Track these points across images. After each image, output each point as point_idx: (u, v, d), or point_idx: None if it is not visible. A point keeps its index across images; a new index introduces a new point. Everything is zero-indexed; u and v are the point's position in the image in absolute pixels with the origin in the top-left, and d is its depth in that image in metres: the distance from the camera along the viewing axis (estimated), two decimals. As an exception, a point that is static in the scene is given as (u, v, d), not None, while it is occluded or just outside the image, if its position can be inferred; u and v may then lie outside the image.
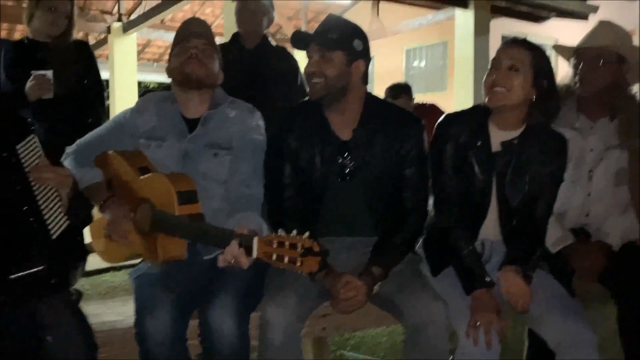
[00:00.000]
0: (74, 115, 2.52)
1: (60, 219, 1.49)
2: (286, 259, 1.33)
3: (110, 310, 1.88)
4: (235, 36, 2.99)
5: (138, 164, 1.74)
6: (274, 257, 1.35)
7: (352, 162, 1.75)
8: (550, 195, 1.79)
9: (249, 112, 1.88)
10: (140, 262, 1.78)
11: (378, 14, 8.94)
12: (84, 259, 1.62)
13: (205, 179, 1.77)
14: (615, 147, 1.96)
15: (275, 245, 1.36)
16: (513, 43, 1.72)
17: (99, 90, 2.74)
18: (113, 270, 4.11)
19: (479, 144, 1.75)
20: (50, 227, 1.47)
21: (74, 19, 2.58)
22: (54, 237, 1.47)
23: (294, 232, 1.35)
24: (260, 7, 2.89)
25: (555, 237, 1.92)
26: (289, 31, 9.11)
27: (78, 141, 1.88)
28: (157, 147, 1.80)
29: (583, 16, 7.72)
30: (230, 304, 1.53)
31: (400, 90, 3.99)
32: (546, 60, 1.72)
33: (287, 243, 1.34)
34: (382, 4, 8.77)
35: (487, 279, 1.67)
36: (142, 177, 1.68)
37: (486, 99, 1.73)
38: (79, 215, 1.54)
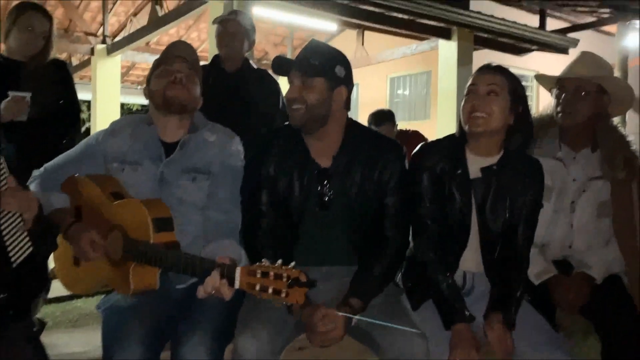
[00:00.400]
0: (47, 136, 2.44)
1: (23, 246, 1.42)
2: (270, 290, 1.27)
3: (80, 340, 1.79)
4: (215, 59, 2.96)
5: (110, 188, 1.67)
6: (258, 287, 1.29)
7: (331, 191, 1.70)
8: (531, 222, 1.77)
9: (228, 137, 1.84)
10: (108, 294, 1.70)
11: (363, 43, 9.07)
12: (47, 288, 1.54)
13: (182, 205, 1.71)
14: (597, 178, 1.96)
15: (259, 275, 1.29)
16: (488, 69, 1.72)
17: (75, 111, 2.67)
18: (86, 296, 3.97)
19: (457, 172, 1.73)
20: (11, 254, 1.39)
21: (52, 39, 2.53)
22: (15, 264, 1.39)
23: (279, 261, 1.30)
24: (241, 30, 2.87)
25: (538, 269, 1.90)
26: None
27: (46, 164, 1.81)
28: (131, 171, 1.74)
29: (563, 50, 7.92)
30: (205, 339, 1.46)
31: (384, 117, 4.00)
32: (520, 86, 1.73)
33: (271, 273, 1.28)
34: (366, 33, 8.90)
35: (467, 313, 1.63)
36: (114, 202, 1.62)
37: (466, 126, 1.71)
38: (43, 242, 1.47)
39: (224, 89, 2.70)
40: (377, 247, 1.71)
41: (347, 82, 1.71)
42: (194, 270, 1.42)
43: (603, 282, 1.88)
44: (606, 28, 9.06)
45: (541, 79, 2.08)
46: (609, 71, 1.99)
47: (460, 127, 1.76)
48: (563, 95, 1.96)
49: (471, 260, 1.76)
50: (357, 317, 1.57)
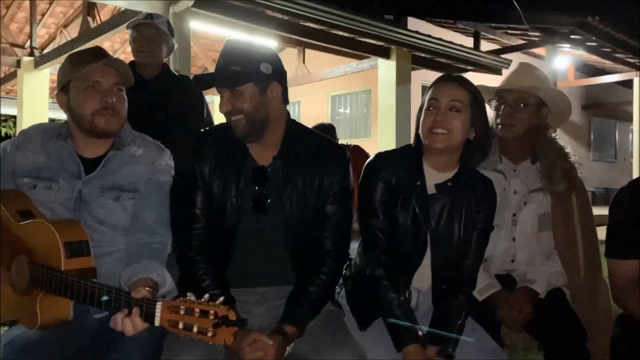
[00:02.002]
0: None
1: None
2: (195, 329, 1.14)
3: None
4: (131, 65, 2.75)
5: (18, 206, 1.49)
6: (181, 326, 1.16)
7: (269, 192, 1.57)
8: (483, 242, 1.71)
9: (157, 151, 1.69)
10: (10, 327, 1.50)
11: (304, 61, 9.06)
12: None
13: (103, 226, 1.56)
14: (538, 190, 1.95)
15: (182, 312, 1.16)
16: (450, 81, 1.65)
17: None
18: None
19: (415, 185, 1.64)
20: None
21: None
22: None
23: (206, 296, 1.17)
24: (159, 34, 2.69)
25: (481, 285, 1.85)
26: (214, 73, 8.96)
27: None
28: (45, 189, 1.56)
29: (497, 71, 8.23)
30: None
31: (324, 130, 3.93)
32: (481, 98, 1.67)
33: (197, 310, 1.15)
34: (307, 51, 8.90)
35: (420, 333, 1.55)
36: (22, 222, 1.44)
37: (425, 141, 1.63)
38: None
39: (142, 97, 2.42)
40: (315, 264, 1.59)
41: (278, 75, 1.57)
42: (108, 304, 1.27)
43: (546, 296, 1.86)
44: (536, 50, 9.50)
45: (481, 90, 2.05)
46: (547, 83, 2.00)
47: (417, 138, 1.68)
48: (502, 107, 1.95)
49: (422, 278, 1.69)
50: (290, 347, 1.45)
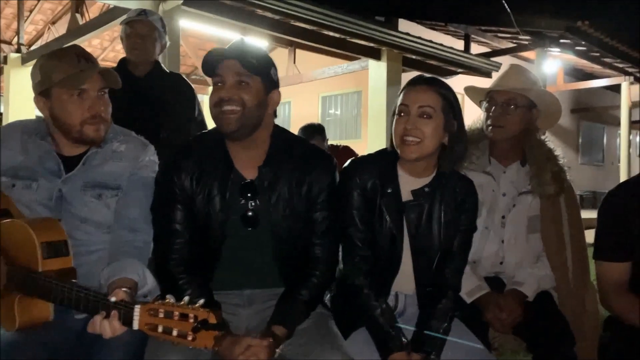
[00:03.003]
0: None
1: None
2: (175, 332, 1.11)
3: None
4: (122, 62, 2.72)
5: (-4, 205, 1.45)
6: (160, 329, 1.13)
7: (256, 206, 1.54)
8: (465, 245, 1.69)
9: (141, 146, 1.65)
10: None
11: (295, 61, 9.04)
12: None
13: (86, 224, 1.52)
14: (527, 192, 1.94)
15: (161, 316, 1.13)
16: (421, 84, 1.59)
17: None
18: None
19: (388, 192, 1.61)
20: None
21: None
22: None
23: (186, 298, 1.14)
24: (153, 32, 2.65)
25: (470, 287, 1.83)
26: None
27: None
28: (24, 188, 1.52)
29: (487, 73, 8.26)
30: None
31: (314, 130, 3.90)
32: (455, 100, 1.62)
33: (176, 313, 1.12)
34: (298, 51, 8.88)
35: (405, 340, 1.52)
36: (-2, 221, 1.40)
37: (398, 149, 1.60)
38: None
39: (133, 95, 2.42)
40: (305, 269, 1.57)
41: (278, 86, 1.58)
42: (87, 306, 1.23)
43: (535, 299, 1.85)
44: (526, 54, 9.56)
45: (471, 91, 2.05)
46: (537, 85, 1.99)
47: (392, 143, 1.64)
48: (492, 108, 1.93)
49: (405, 282, 1.66)
50: (279, 349, 1.42)
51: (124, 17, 2.73)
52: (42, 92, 1.52)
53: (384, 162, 1.66)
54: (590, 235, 1.83)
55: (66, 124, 1.51)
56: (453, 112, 1.59)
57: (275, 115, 1.61)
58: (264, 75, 1.50)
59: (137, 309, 1.16)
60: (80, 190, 1.53)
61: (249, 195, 1.54)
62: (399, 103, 1.60)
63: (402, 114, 1.58)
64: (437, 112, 1.56)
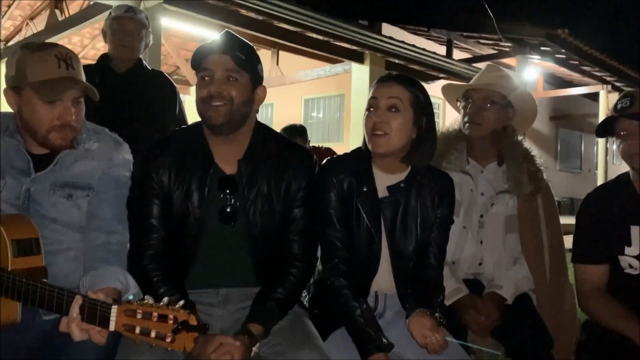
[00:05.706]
0: None
1: None
2: (153, 334, 1.09)
3: None
4: (103, 58, 2.68)
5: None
6: (138, 331, 1.10)
7: (234, 202, 1.51)
8: (443, 238, 1.69)
9: (114, 145, 1.60)
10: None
11: (278, 63, 9.01)
12: None
13: (55, 224, 1.47)
14: (504, 192, 1.94)
15: (139, 317, 1.10)
16: (390, 80, 1.61)
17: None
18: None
19: (364, 190, 1.61)
20: None
21: None
22: None
23: (165, 299, 1.11)
24: (140, 29, 2.62)
25: (448, 290, 1.82)
26: (186, 73, 8.86)
27: None
28: None
29: (468, 79, 8.31)
30: None
31: (295, 131, 3.89)
32: (424, 94, 1.63)
33: (155, 314, 1.09)
34: (281, 53, 8.87)
35: (385, 341, 1.50)
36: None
37: (369, 145, 1.60)
38: None
39: (113, 91, 2.38)
40: (282, 267, 1.54)
41: (262, 82, 1.57)
42: (59, 305, 1.20)
43: (513, 302, 1.84)
44: (506, 60, 9.67)
45: (447, 89, 2.06)
46: (513, 83, 2.00)
47: (365, 141, 1.65)
48: (469, 106, 1.94)
49: (384, 281, 1.65)
50: (255, 347, 1.39)
51: (108, 12, 2.69)
52: (14, 87, 1.46)
53: (359, 161, 1.67)
54: (568, 241, 1.83)
55: (33, 128, 1.46)
56: (422, 108, 1.61)
57: (257, 111, 1.59)
58: (252, 71, 1.50)
59: (114, 309, 1.13)
60: (49, 190, 1.48)
61: (227, 190, 1.51)
62: (369, 97, 1.62)
63: (372, 109, 1.60)
64: (405, 106, 1.58)
